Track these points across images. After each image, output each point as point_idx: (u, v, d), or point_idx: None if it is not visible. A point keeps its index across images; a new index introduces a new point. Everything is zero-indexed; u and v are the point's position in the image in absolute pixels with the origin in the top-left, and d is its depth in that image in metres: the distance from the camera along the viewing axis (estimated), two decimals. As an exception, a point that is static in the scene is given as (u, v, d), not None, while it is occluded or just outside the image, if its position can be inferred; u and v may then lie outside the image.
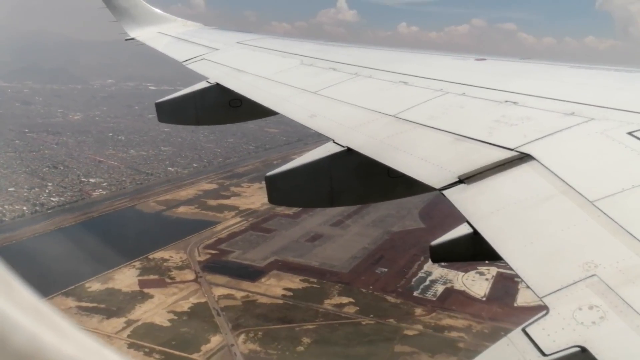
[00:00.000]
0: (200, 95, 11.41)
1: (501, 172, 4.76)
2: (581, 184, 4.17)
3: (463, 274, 68.39)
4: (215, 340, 61.93)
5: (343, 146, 6.57)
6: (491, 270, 68.24)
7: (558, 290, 3.24)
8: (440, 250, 8.30)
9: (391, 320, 64.41)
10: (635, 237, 3.40)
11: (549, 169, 4.51)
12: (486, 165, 4.90)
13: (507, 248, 3.84)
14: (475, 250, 7.36)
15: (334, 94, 8.41)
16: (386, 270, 72.53)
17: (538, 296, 3.25)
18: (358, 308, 67.48)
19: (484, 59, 9.11)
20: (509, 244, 3.90)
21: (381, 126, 6.69)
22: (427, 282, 64.76)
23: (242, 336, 62.84)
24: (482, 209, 4.37)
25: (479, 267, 68.95)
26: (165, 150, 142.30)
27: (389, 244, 78.67)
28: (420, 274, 67.23)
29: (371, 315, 65.73)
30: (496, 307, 63.25)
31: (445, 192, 4.79)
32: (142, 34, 17.95)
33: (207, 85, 11.38)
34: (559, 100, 5.98)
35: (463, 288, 66.32)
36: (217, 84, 11.13)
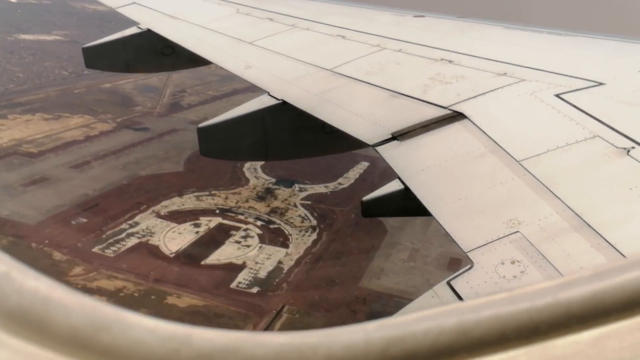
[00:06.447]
0: (130, 41, 10.89)
1: (434, 130, 4.81)
2: (509, 143, 4.27)
3: (176, 225, 62.47)
4: None
5: (278, 99, 6.45)
6: (213, 221, 61.15)
7: (483, 245, 3.33)
8: (371, 205, 8.38)
9: (30, 285, 57.60)
10: (556, 196, 3.52)
11: (480, 128, 4.59)
12: (419, 122, 4.93)
13: (435, 204, 3.91)
14: (406, 206, 7.48)
15: (270, 45, 8.20)
16: (85, 221, 64.24)
17: (464, 251, 3.34)
18: (3, 269, 58.52)
19: (423, 16, 9.09)
20: (437, 200, 3.97)
21: (317, 80, 6.60)
22: (123, 235, 56.80)
23: None
24: (413, 166, 4.42)
25: (201, 218, 64.45)
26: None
27: (118, 190, 68.31)
28: (123, 226, 60.61)
29: (12, 279, 58.33)
30: (175, 266, 54.61)
31: (378, 148, 4.80)
32: None
33: (138, 30, 10.85)
34: (493, 60, 6.07)
35: (159, 243, 59.19)
36: (149, 30, 10.63)
